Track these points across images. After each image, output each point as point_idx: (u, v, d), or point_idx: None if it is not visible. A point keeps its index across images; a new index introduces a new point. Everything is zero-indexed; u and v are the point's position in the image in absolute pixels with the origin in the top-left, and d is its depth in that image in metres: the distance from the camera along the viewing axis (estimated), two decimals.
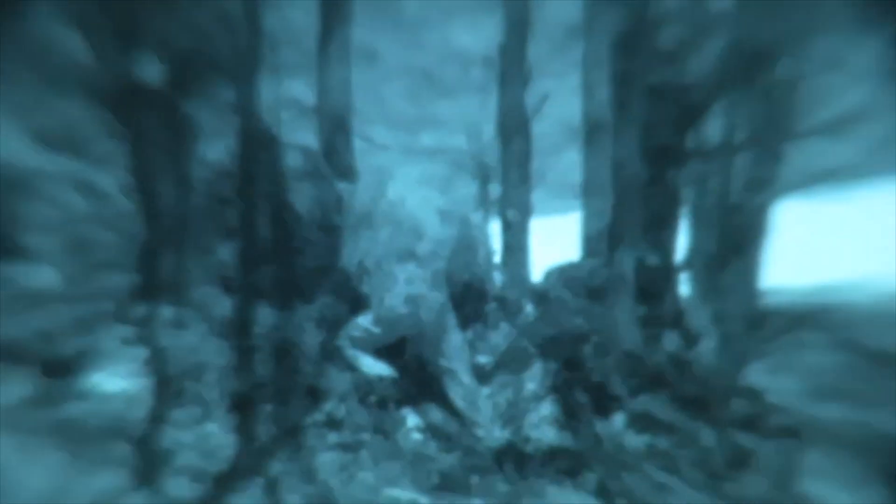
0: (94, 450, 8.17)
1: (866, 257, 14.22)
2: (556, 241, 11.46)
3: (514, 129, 11.24)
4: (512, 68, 11.18)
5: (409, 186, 10.32)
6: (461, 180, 10.87)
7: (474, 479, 9.12)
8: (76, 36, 10.53)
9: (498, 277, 10.97)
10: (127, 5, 9.49)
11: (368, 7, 10.84)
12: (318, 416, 9.31)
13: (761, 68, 11.30)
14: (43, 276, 9.25)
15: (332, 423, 9.29)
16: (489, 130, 11.18)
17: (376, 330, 9.85)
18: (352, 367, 9.67)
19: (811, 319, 13.57)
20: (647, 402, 10.89)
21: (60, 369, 8.57)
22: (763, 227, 11.61)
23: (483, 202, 10.93)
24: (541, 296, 11.10)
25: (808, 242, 13.01)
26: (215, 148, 9.75)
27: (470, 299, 10.34)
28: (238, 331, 9.48)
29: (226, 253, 9.73)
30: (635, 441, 10.48)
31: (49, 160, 9.92)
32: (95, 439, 8.25)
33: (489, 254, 10.90)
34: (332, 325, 9.85)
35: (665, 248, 11.82)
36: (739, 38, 11.17)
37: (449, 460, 9.28)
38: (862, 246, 14.41)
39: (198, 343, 9.30)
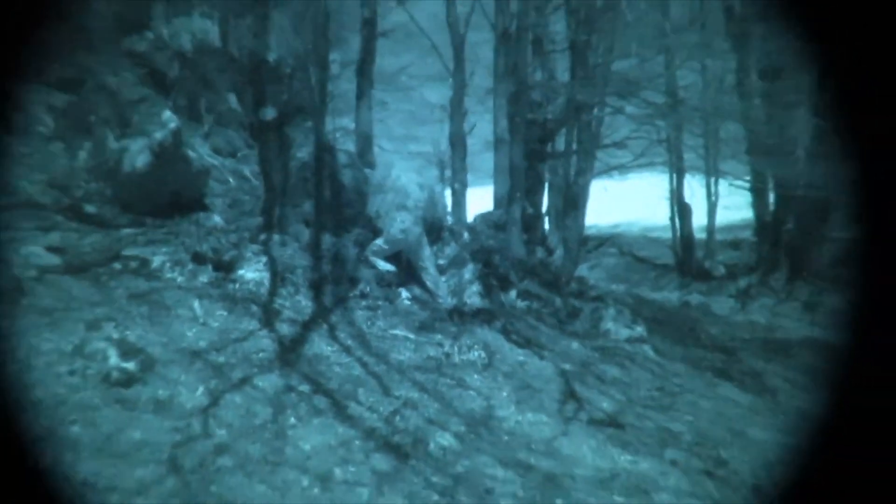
0: (240, 309, 8.19)
1: (634, 210, 14.69)
2: (480, 200, 11.65)
3: (458, 142, 11.20)
4: (456, 111, 11.12)
5: (403, 171, 10.30)
6: (430, 168, 10.92)
7: (437, 324, 9.27)
8: (232, 97, 10.67)
9: (449, 219, 11.12)
10: (257, 80, 9.50)
11: (382, 80, 10.85)
12: (356, 292, 9.34)
13: (583, 112, 11.56)
14: (215, 219, 9.26)
15: (363, 296, 9.34)
16: (444, 143, 11.29)
17: (385, 246, 9.91)
18: (373, 266, 9.76)
19: (608, 241, 14.05)
20: (527, 284, 11.09)
21: (223, 267, 8.67)
22: (585, 194, 11.83)
23: (441, 180, 10.98)
24: (471, 229, 11.28)
25: (607, 202, 13.40)
26: (302, 152, 9.82)
27: (434, 230, 10.47)
28: (313, 248, 9.53)
29: (307, 207, 9.78)
30: (521, 304, 10.82)
31: (219, 161, 10.06)
32: (241, 303, 8.28)
33: (444, 207, 11.00)
34: (363, 245, 9.91)
35: (536, 204, 12.07)
36: (572, 97, 11.40)
37: (423, 315, 9.42)
38: (632, 204, 14.85)
39: (292, 254, 9.31)
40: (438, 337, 9.01)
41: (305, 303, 8.83)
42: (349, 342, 8.33)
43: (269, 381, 7.05)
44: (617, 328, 10.71)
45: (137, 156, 8.88)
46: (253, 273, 8.87)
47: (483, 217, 11.69)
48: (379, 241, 10.04)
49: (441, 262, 10.40)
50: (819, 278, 14.25)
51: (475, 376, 8.38)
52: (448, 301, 9.98)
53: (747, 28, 12.94)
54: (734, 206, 15.65)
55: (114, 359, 6.62)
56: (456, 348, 8.84)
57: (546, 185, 12.40)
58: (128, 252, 8.29)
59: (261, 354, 7.51)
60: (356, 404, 7.09)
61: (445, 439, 6.87)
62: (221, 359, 7.21)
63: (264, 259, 9.08)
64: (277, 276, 8.94)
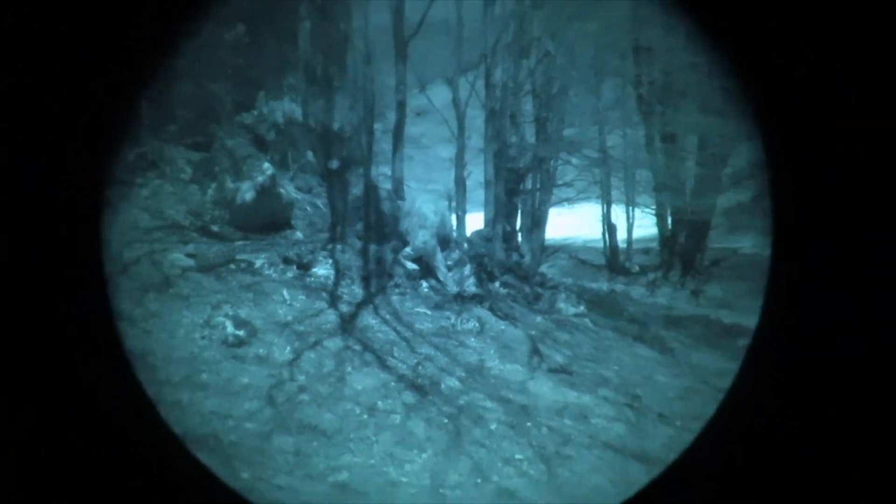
0: (315, 295, 8.08)
1: (578, 228, 14.59)
2: (475, 221, 11.54)
3: (460, 183, 10.86)
4: (459, 162, 10.82)
5: (424, 203, 10.26)
6: (441, 201, 10.80)
7: (446, 304, 9.19)
8: (310, 153, 10.60)
9: (454, 234, 10.87)
10: (326, 142, 9.43)
11: (409, 141, 10.80)
12: (392, 283, 9.23)
13: (543, 163, 11.48)
14: (298, 235, 9.18)
15: (396, 286, 9.22)
16: (451, 183, 11.16)
17: (412, 253, 9.75)
18: (403, 266, 9.61)
19: (561, 249, 13.88)
20: (507, 278, 10.89)
21: (303, 266, 8.62)
22: (545, 217, 11.73)
23: (450, 208, 10.89)
24: (469, 241, 11.06)
25: (559, 223, 13.31)
26: (356, 189, 9.74)
27: (444, 242, 10.30)
28: (363, 254, 9.42)
29: (359, 226, 9.66)
30: (502, 291, 10.55)
31: (301, 196, 9.97)
32: (315, 291, 8.17)
33: (451, 226, 10.81)
34: (396, 251, 9.75)
35: (512, 223, 11.85)
36: (536, 153, 11.32)
37: (437, 298, 9.33)
38: (578, 224, 14.78)
39: (350, 258, 9.18)
40: (447, 313, 9.01)
41: (358, 290, 8.84)
42: (387, 316, 8.39)
43: (333, 343, 7.18)
44: (567, 307, 10.53)
45: (246, 193, 8.95)
46: (323, 270, 8.87)
47: (477, 233, 11.41)
48: (407, 249, 9.91)
49: (449, 263, 10.25)
50: (701, 274, 14.23)
51: (472, 339, 8.42)
52: (453, 289, 9.84)
53: (652, 108, 12.99)
54: (645, 225, 15.53)
55: (230, 328, 6.76)
56: (459, 320, 8.83)
57: (519, 211, 12.29)
58: (239, 257, 8.33)
59: (328, 325, 7.60)
60: (392, 358, 7.20)
61: (452, 382, 6.97)
62: (302, 328, 7.32)
63: (331, 261, 9.06)
64: (339, 272, 8.93)
